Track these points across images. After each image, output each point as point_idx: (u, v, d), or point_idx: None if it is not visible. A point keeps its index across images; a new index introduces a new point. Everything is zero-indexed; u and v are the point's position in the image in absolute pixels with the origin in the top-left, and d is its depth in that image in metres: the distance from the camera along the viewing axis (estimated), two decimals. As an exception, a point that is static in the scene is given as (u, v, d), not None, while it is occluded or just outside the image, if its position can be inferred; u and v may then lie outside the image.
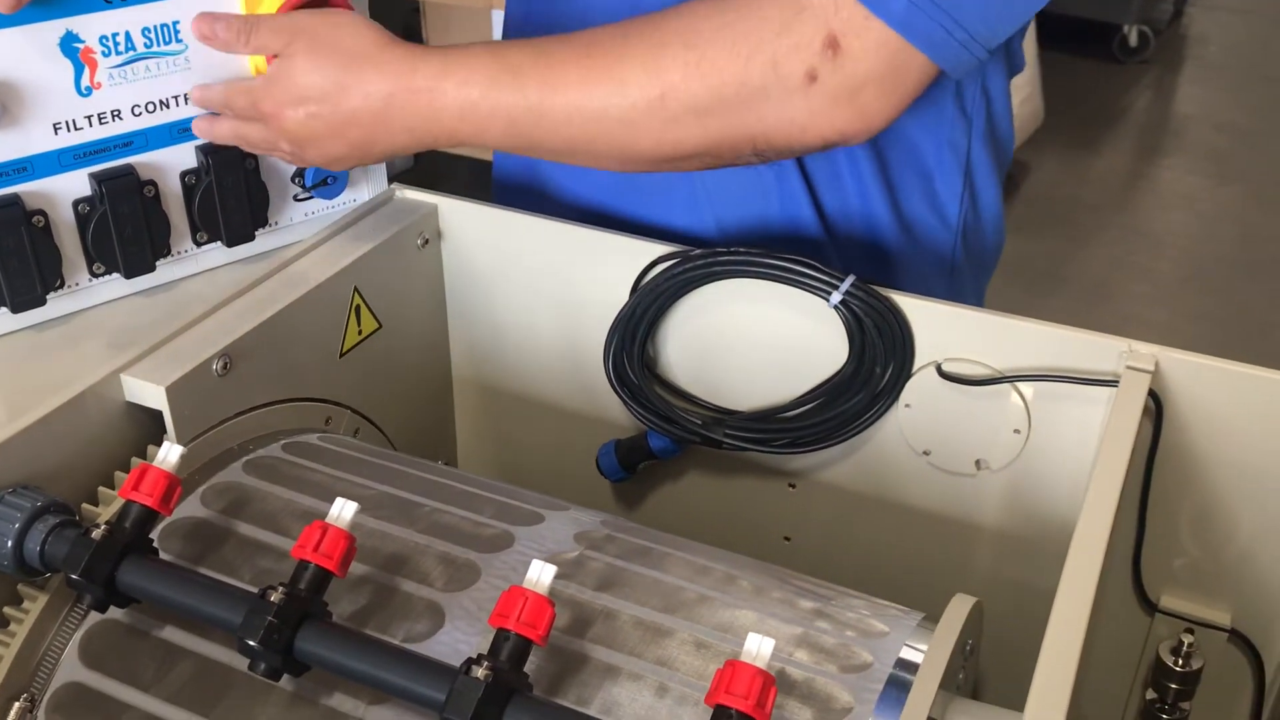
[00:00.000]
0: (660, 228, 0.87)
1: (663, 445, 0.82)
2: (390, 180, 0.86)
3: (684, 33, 0.67)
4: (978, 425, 0.76)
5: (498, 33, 2.66)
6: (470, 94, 0.69)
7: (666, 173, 0.77)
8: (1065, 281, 2.93)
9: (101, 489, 0.63)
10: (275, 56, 0.72)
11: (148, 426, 0.67)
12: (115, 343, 0.71)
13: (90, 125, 0.69)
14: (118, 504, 0.61)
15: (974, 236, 0.89)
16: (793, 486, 0.83)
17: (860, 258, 0.86)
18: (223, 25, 0.72)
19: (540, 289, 0.86)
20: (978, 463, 0.77)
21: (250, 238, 0.78)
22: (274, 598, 0.52)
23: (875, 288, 0.74)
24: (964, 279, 0.92)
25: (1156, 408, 0.69)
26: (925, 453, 0.78)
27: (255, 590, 0.54)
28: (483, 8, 2.54)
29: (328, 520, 0.55)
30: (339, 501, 0.55)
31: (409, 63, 0.70)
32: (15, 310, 0.69)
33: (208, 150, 0.74)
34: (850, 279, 0.74)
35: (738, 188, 0.84)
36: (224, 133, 0.74)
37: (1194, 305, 2.83)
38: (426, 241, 0.85)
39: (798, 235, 0.85)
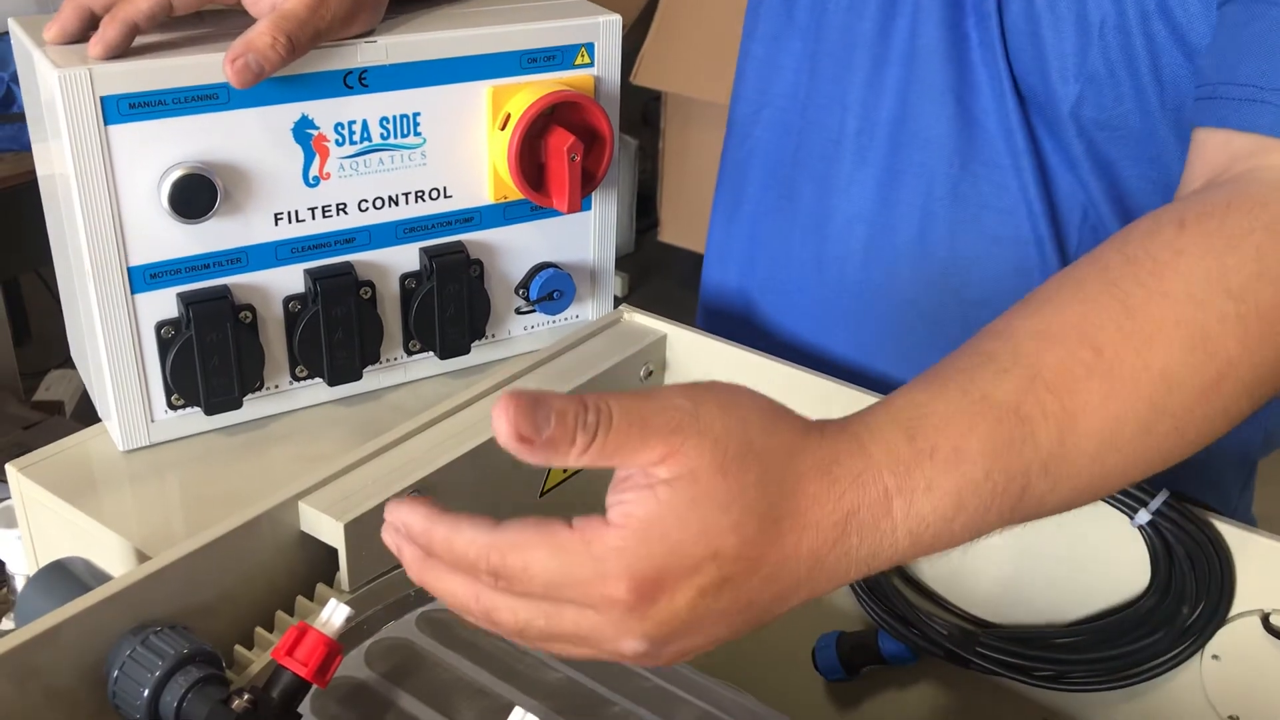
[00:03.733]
0: None
1: (896, 651, 0.69)
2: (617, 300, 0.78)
3: (1210, 278, 0.47)
4: (1309, 697, 0.60)
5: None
6: (970, 473, 0.43)
7: None
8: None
9: (259, 631, 0.55)
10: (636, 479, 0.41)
11: (321, 560, 0.59)
12: (304, 455, 0.64)
13: (313, 218, 0.64)
14: (269, 657, 0.53)
15: None
16: (1049, 724, 0.69)
17: None
18: (548, 415, 0.39)
19: (771, 441, 0.75)
20: (1300, 741, 0.61)
21: (465, 350, 0.71)
22: (424, 831, 0.42)
23: (1195, 508, 0.60)
24: (1252, 484, 0.75)
25: None
26: (1232, 717, 0.62)
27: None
28: (724, 104, 2.50)
29: (501, 735, 0.45)
30: (518, 713, 0.46)
31: (858, 455, 0.42)
32: (209, 412, 0.63)
33: (433, 254, 0.68)
34: (1163, 495, 0.60)
35: None
36: (483, 610, 0.42)
37: None
38: (650, 373, 0.76)
39: None
